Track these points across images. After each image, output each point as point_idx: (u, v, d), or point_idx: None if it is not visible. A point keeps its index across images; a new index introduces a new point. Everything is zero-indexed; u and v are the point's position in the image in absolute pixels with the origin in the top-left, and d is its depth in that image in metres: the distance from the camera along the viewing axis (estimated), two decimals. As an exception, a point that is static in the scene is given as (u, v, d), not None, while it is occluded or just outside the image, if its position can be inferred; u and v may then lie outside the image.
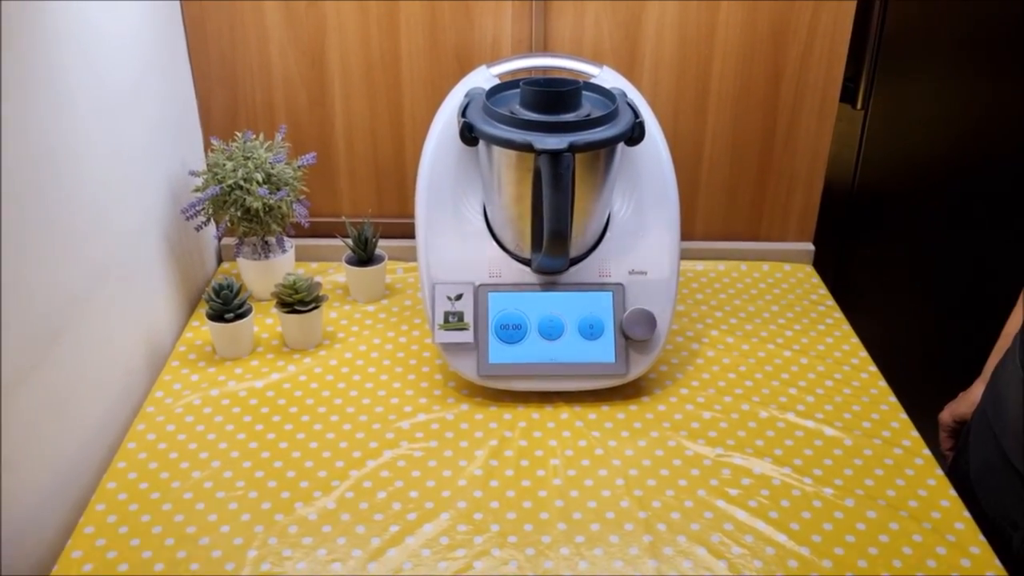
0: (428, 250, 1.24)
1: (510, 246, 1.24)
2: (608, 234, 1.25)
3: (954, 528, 1.02)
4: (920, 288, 1.78)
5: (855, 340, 1.37)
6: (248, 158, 1.34)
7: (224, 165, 1.33)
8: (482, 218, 1.26)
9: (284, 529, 1.01)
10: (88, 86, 1.10)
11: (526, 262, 1.24)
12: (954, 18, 1.54)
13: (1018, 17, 1.52)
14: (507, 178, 1.17)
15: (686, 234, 1.57)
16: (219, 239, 1.52)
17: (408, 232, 1.33)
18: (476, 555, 0.98)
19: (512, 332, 1.21)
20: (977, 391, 1.24)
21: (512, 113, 1.15)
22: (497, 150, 1.15)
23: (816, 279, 1.55)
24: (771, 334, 1.39)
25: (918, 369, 1.55)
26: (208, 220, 1.37)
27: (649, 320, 1.21)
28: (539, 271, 1.22)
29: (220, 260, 1.59)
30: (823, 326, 1.40)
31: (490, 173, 1.19)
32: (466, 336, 1.21)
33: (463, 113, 1.19)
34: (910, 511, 1.04)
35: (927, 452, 1.14)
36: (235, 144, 1.36)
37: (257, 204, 1.32)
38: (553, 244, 1.13)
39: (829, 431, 1.18)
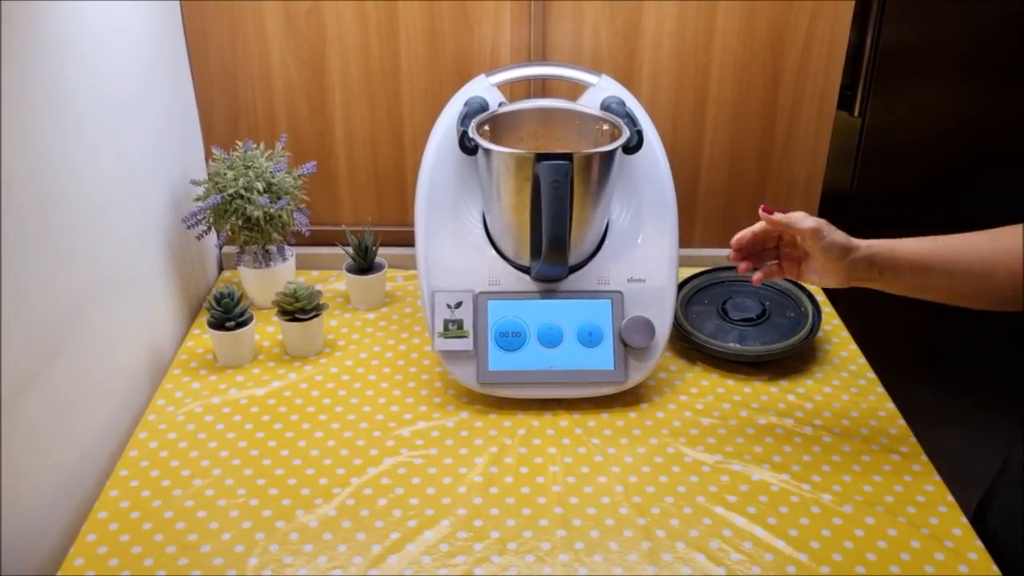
0: (428, 258, 1.24)
1: (509, 254, 1.24)
2: (607, 242, 1.26)
3: (952, 534, 1.02)
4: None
5: (853, 347, 1.38)
6: (249, 167, 1.34)
7: (225, 174, 1.34)
8: (481, 226, 1.27)
9: (285, 536, 1.02)
10: (89, 95, 1.11)
11: (525, 270, 1.24)
12: (952, 25, 1.54)
13: (1016, 24, 1.53)
14: (506, 186, 1.17)
15: (684, 241, 1.57)
16: (220, 248, 1.52)
17: (408, 240, 1.34)
18: (476, 561, 0.99)
19: (511, 340, 1.22)
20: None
21: None
22: (496, 158, 1.16)
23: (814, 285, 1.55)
24: (770, 340, 1.39)
25: (917, 375, 1.55)
26: (209, 229, 1.37)
27: (648, 327, 1.21)
28: (538, 279, 1.23)
29: (221, 268, 1.60)
30: (821, 332, 1.40)
31: (489, 181, 1.20)
32: (466, 344, 1.21)
33: (462, 122, 1.20)
34: (908, 517, 1.05)
35: (925, 458, 1.14)
36: (236, 153, 1.37)
37: (258, 213, 1.33)
38: (552, 252, 1.13)
39: (827, 437, 1.18)
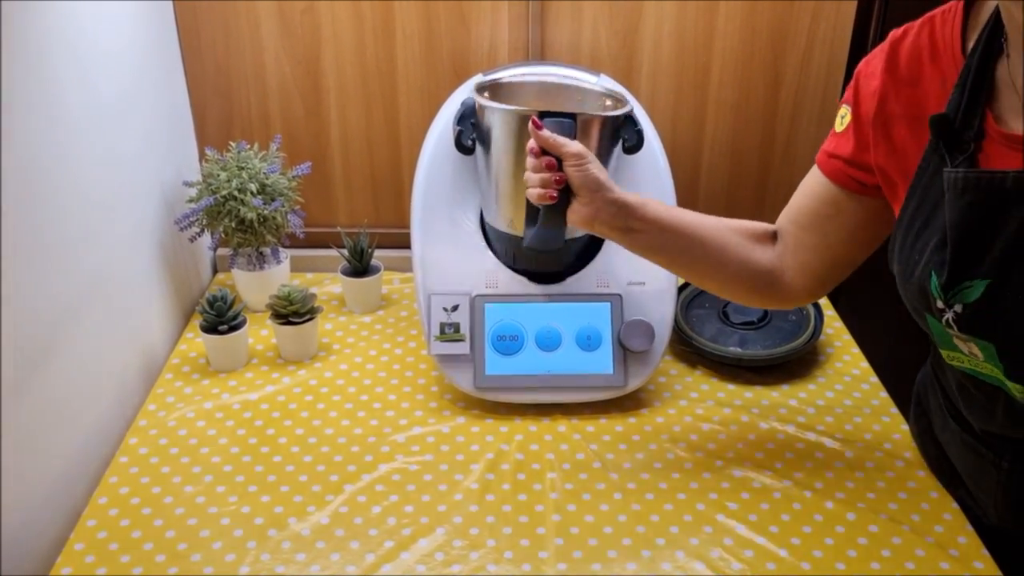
0: (424, 260, 1.22)
1: (503, 224, 1.19)
2: (606, 243, 1.24)
3: (958, 542, 1.00)
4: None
5: (856, 350, 1.36)
6: (242, 168, 1.33)
7: (218, 175, 1.32)
8: (478, 228, 1.25)
9: (277, 545, 1.00)
10: (80, 96, 1.09)
11: (522, 272, 1.22)
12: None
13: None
14: (505, 147, 1.13)
15: (685, 243, 1.56)
16: (214, 250, 1.51)
17: (405, 242, 1.32)
18: (472, 570, 0.97)
19: (509, 343, 1.20)
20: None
21: None
22: (496, 118, 1.12)
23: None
24: (771, 344, 1.38)
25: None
26: (202, 231, 1.35)
27: (647, 331, 1.19)
28: (532, 248, 1.11)
29: (215, 271, 1.58)
30: (823, 336, 1.38)
31: (487, 146, 1.15)
32: (462, 347, 1.19)
33: (458, 122, 1.18)
34: (913, 525, 1.03)
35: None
36: (229, 154, 1.35)
37: (251, 215, 1.31)
38: (549, 215, 1.05)
39: (830, 443, 1.16)
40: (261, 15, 1.41)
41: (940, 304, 0.83)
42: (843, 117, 0.96)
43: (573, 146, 0.99)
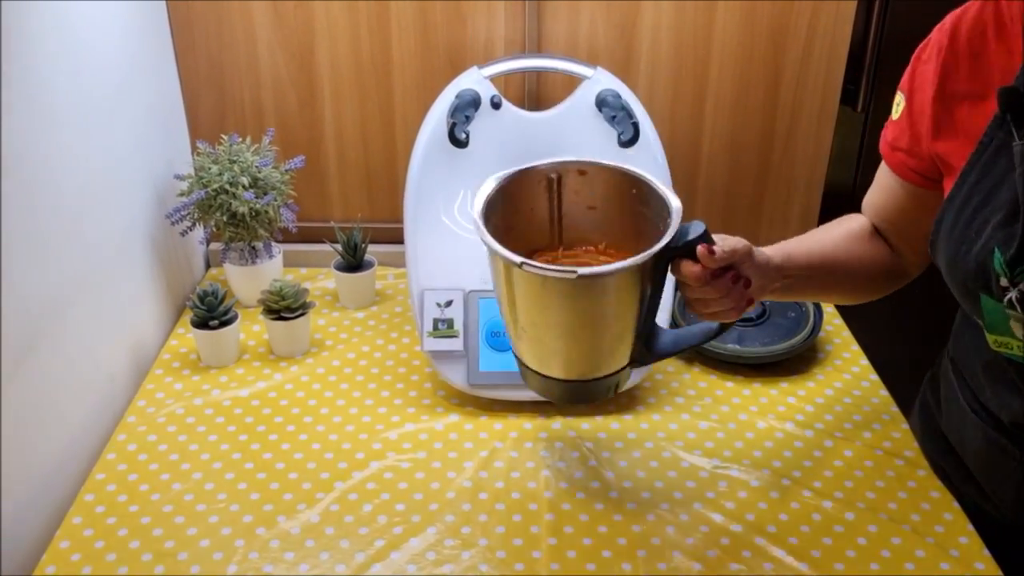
0: (416, 255, 1.21)
1: (586, 367, 0.96)
2: (602, 239, 1.22)
3: (958, 543, 0.99)
4: (922, 293, 1.75)
5: (856, 347, 1.34)
6: (234, 162, 1.31)
7: (210, 169, 1.30)
8: (473, 224, 1.23)
9: (266, 543, 0.98)
10: (72, 88, 1.07)
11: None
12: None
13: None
14: (615, 301, 0.91)
15: (683, 239, 1.54)
16: (206, 244, 1.49)
17: (399, 237, 1.30)
18: (464, 570, 0.95)
19: (503, 339, 1.18)
20: None
21: None
22: (609, 280, 0.89)
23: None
24: (770, 341, 1.36)
25: (921, 378, 1.52)
26: (194, 225, 1.34)
27: (644, 327, 1.18)
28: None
29: (208, 265, 1.56)
30: (823, 333, 1.37)
31: (568, 307, 0.91)
32: (456, 344, 1.18)
33: (452, 115, 1.17)
34: (913, 525, 1.01)
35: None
36: (221, 147, 1.33)
37: (243, 208, 1.29)
38: (728, 324, 0.96)
39: (829, 442, 1.14)
40: (254, 7, 1.39)
41: (1004, 282, 0.80)
42: (898, 105, 0.95)
43: (742, 246, 0.89)
